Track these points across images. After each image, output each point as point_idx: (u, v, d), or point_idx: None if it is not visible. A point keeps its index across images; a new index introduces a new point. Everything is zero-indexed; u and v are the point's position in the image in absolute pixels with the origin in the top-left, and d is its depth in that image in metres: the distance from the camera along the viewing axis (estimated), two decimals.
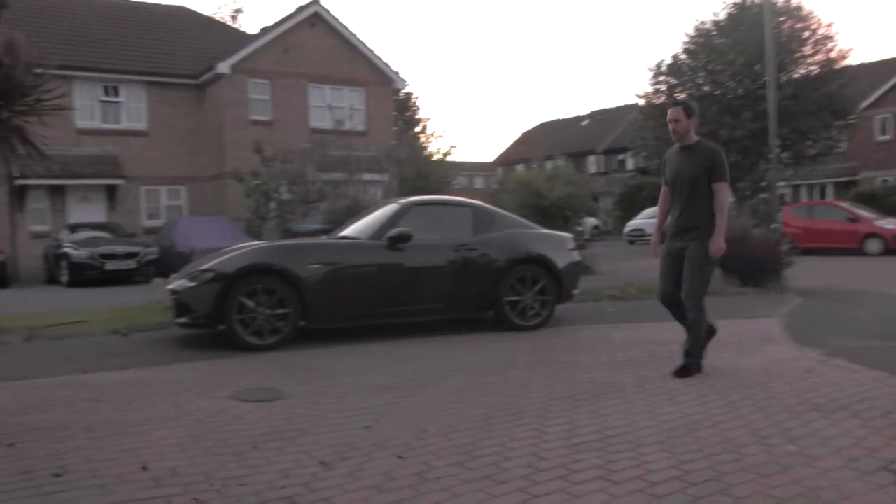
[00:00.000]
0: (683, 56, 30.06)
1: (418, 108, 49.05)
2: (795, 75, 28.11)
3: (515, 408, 4.89)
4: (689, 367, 5.80)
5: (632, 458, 3.82)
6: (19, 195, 21.90)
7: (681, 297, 5.81)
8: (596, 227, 35.99)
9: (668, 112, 5.93)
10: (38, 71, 10.04)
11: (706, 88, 29.13)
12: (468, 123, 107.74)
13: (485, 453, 3.94)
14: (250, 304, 7.43)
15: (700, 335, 5.82)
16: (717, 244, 5.68)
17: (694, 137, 5.90)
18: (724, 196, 5.75)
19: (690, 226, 5.80)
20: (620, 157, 51.62)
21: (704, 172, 5.74)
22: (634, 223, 33.29)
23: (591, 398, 5.12)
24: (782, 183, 32.26)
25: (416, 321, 8.42)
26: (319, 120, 24.31)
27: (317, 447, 4.07)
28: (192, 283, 7.64)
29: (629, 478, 3.54)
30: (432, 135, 48.94)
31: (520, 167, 46.29)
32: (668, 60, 30.37)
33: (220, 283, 7.42)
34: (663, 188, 6.22)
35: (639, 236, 31.50)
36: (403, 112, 43.57)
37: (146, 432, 4.41)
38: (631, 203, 40.45)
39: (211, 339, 7.83)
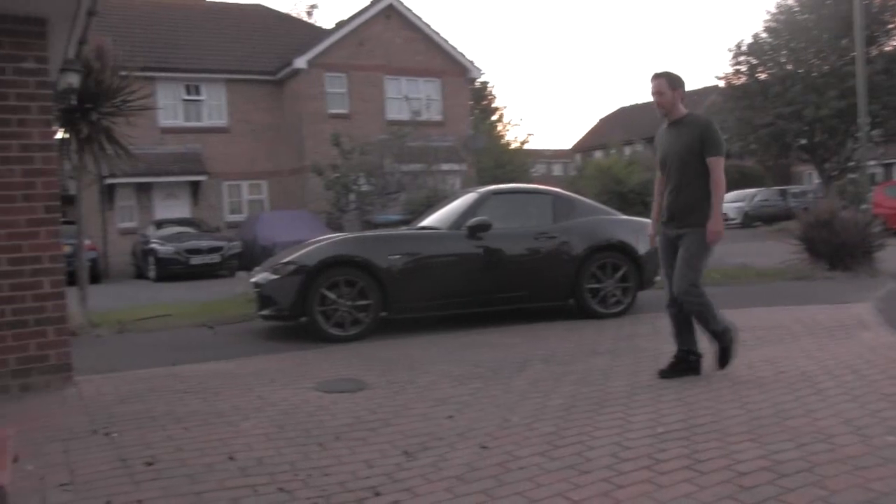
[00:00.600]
0: (765, 35, 29.18)
1: (494, 97, 48.87)
2: (887, 48, 26.96)
3: (598, 397, 4.82)
4: (725, 353, 5.36)
5: (718, 447, 3.72)
6: (108, 193, 22.67)
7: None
8: None
9: (651, 85, 5.33)
10: (124, 74, 10.40)
11: (789, 67, 28.23)
12: (545, 110, 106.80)
13: (568, 443, 3.89)
14: (332, 295, 7.53)
15: (712, 315, 5.27)
16: (714, 228, 5.13)
17: (682, 111, 5.36)
18: (720, 173, 5.17)
19: (685, 210, 5.26)
20: None
21: (696, 147, 5.19)
22: None
23: (676, 387, 5.02)
24: (872, 162, 31.07)
25: (496, 310, 8.40)
26: (396, 112, 24.47)
27: (400, 437, 4.09)
28: (275, 276, 7.77)
29: (716, 468, 3.45)
30: (509, 123, 48.63)
31: (598, 153, 45.72)
32: (749, 40, 29.53)
33: (302, 276, 7.53)
34: (657, 173, 5.64)
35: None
36: (479, 101, 43.47)
37: (233, 423, 4.50)
38: None
39: (294, 330, 7.96)
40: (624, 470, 3.46)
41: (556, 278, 8.38)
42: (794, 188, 35.63)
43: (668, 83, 5.28)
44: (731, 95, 30.01)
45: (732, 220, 29.95)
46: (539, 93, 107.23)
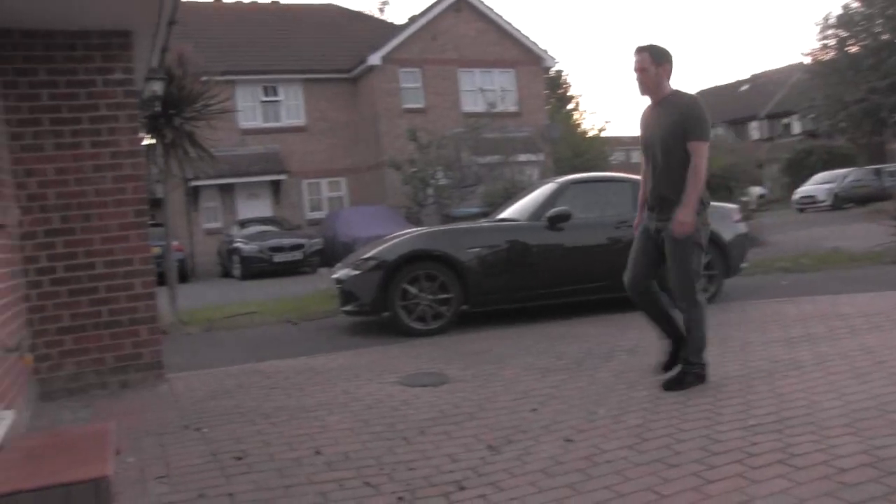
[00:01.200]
0: (856, 4, 28.04)
1: (570, 85, 48.41)
2: None
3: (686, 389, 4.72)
4: (685, 376, 4.74)
5: (815, 441, 3.57)
6: (193, 195, 23.29)
7: (648, 286, 4.97)
8: (762, 195, 34.30)
9: (634, 59, 4.78)
10: (204, 79, 10.67)
11: (885, 37, 27.02)
12: (622, 96, 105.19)
13: (656, 436, 3.81)
14: (413, 290, 7.58)
15: (700, 335, 4.77)
16: (681, 218, 4.58)
17: (668, 88, 4.78)
18: (701, 160, 4.61)
19: (667, 199, 4.75)
20: (785, 120, 48.89)
21: (678, 129, 4.65)
22: (804, 190, 31.38)
23: (766, 377, 4.86)
24: None
25: (577, 301, 8.33)
26: (471, 104, 24.46)
27: (484, 431, 4.09)
28: (356, 272, 7.86)
29: (813, 463, 3.30)
30: (585, 111, 48.06)
31: None
32: (838, 11, 28.45)
33: (383, 271, 7.60)
34: (642, 159, 5.14)
35: (810, 203, 29.62)
36: (555, 90, 43.10)
37: (319, 417, 4.57)
38: (800, 168, 38.21)
39: (376, 325, 8.05)
40: (714, 464, 3.37)
41: None
42: (890, 166, 34.19)
43: (651, 58, 4.72)
44: (818, 72, 29.01)
45: (822, 202, 28.93)
46: (615, 78, 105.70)
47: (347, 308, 8.02)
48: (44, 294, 5.58)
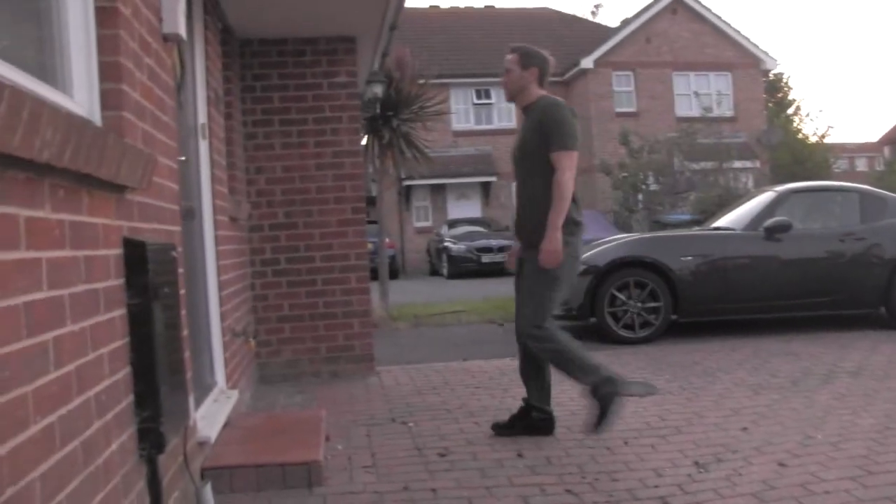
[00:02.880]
0: None
1: (791, 88, 45.60)
2: None
3: None
4: (604, 408, 3.95)
5: None
6: (406, 194, 24.12)
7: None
8: None
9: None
10: (421, 82, 11.02)
11: None
12: (846, 100, 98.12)
13: (883, 469, 3.46)
14: (622, 296, 7.44)
15: (571, 358, 4.05)
16: (547, 247, 3.93)
17: (534, 94, 4.21)
18: (564, 174, 3.97)
19: (529, 226, 4.14)
20: None
21: (537, 137, 4.07)
22: None
23: None
24: None
25: (795, 316, 7.84)
26: (686, 108, 23.74)
27: (691, 447, 3.92)
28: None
29: None
30: (807, 115, 45.10)
31: None
32: None
33: (592, 276, 7.51)
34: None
35: None
36: (774, 94, 40.80)
37: None
38: None
39: (582, 331, 7.94)
40: None
41: (864, 284, 7.63)
42: None
43: (519, 58, 4.20)
44: None
45: None
46: (840, 80, 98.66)
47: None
48: (267, 284, 5.98)
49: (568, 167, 4.01)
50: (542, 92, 4.27)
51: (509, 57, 4.26)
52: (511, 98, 4.36)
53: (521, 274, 4.25)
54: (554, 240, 3.96)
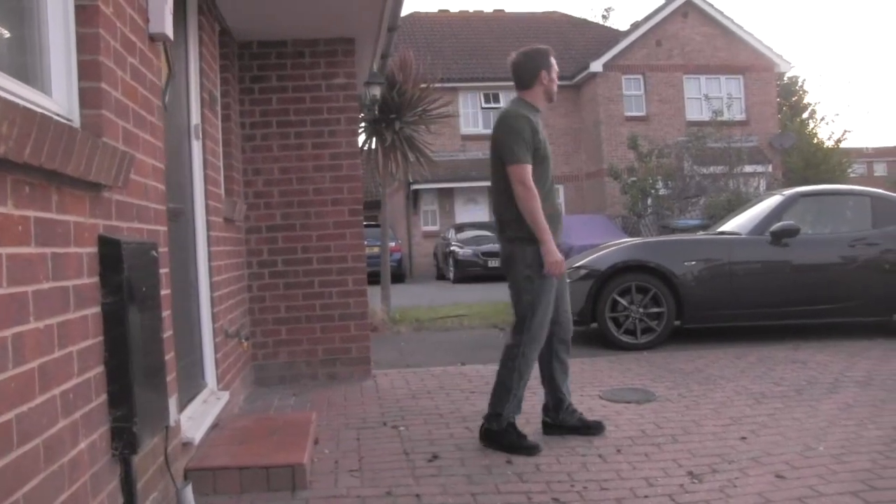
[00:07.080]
0: None
1: (805, 92, 45.33)
2: None
3: None
4: (498, 435, 4.00)
5: None
6: (413, 198, 24.09)
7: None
8: None
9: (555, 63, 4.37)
10: (424, 85, 10.96)
11: None
12: (864, 102, 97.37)
13: (889, 485, 3.31)
14: (623, 301, 7.35)
15: (509, 380, 4.04)
16: (548, 258, 3.94)
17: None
18: (518, 186, 3.89)
19: (501, 221, 4.14)
20: None
21: (494, 148, 4.07)
22: None
23: None
24: None
25: (802, 324, 7.73)
26: (697, 112, 23.62)
27: (686, 456, 3.83)
28: (566, 281, 7.73)
29: None
30: (822, 119, 44.80)
31: None
32: None
33: (593, 280, 7.43)
34: None
35: None
36: (788, 97, 40.57)
37: None
38: None
39: (583, 336, 7.87)
40: None
41: (875, 291, 7.48)
42: None
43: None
44: None
45: None
46: (860, 84, 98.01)
47: None
48: (264, 286, 5.93)
49: (520, 179, 3.93)
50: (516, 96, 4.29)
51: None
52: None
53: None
54: (549, 251, 3.96)
